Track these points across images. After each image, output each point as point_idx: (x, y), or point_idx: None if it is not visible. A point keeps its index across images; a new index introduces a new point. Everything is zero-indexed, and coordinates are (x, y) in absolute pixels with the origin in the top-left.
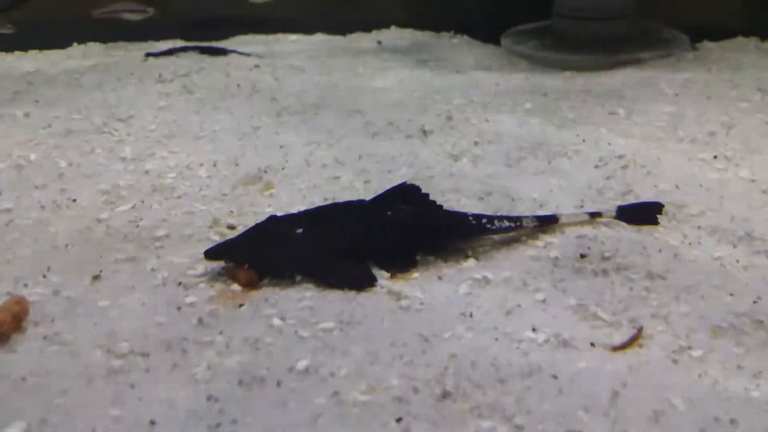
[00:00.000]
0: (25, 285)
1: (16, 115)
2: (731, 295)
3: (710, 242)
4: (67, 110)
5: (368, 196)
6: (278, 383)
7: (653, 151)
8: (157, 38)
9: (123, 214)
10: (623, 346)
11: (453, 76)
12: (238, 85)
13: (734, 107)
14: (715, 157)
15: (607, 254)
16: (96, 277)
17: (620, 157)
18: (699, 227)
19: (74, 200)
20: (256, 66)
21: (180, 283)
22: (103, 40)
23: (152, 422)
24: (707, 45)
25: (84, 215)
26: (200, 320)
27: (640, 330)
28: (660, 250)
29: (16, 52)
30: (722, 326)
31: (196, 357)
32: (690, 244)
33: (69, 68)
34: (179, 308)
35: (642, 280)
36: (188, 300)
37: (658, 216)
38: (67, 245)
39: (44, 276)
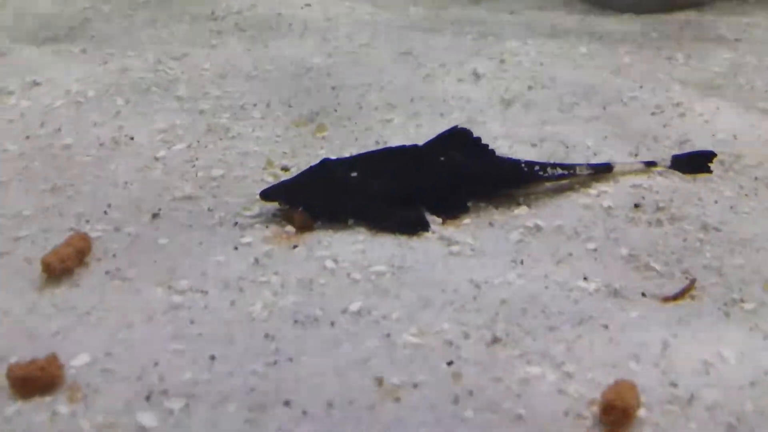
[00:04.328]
0: (87, 221)
1: (73, 51)
2: None
3: (766, 194)
4: (122, 48)
5: (420, 140)
6: (332, 324)
7: (712, 98)
8: None
9: (179, 153)
10: (675, 297)
11: (506, 17)
12: (290, 24)
13: None
14: None
15: (661, 204)
16: (155, 215)
17: (677, 104)
18: (756, 178)
19: (132, 138)
20: (308, 5)
21: (236, 224)
22: None
23: (212, 357)
24: None
25: (142, 153)
26: (256, 260)
27: (693, 281)
28: (715, 201)
29: None
30: None
31: (252, 296)
32: (746, 195)
33: (123, 4)
34: (236, 248)
35: (696, 232)
36: (244, 240)
37: (709, 165)
38: (126, 183)
39: (105, 213)
